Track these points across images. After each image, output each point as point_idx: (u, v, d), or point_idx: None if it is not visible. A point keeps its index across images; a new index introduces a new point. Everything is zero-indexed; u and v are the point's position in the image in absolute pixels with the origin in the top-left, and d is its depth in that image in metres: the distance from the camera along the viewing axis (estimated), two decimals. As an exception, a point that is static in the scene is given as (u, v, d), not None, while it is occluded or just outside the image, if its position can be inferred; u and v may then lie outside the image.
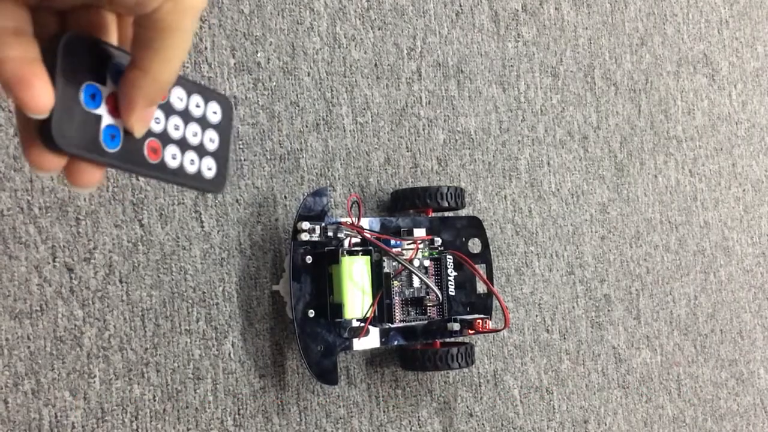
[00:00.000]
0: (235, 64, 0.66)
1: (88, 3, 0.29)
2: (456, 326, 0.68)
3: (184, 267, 0.62)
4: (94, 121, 0.29)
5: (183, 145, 0.33)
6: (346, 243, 0.63)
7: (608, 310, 0.89)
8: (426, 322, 0.67)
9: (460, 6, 0.80)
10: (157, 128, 0.31)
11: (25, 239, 0.56)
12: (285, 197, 0.67)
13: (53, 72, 0.27)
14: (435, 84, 0.77)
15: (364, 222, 0.65)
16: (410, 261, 0.65)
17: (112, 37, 0.31)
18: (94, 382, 0.58)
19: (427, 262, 0.67)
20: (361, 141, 0.72)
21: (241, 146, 0.65)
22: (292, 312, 0.61)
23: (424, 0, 0.78)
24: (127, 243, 0.60)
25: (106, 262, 0.59)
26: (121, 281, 0.59)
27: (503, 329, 0.68)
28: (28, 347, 0.55)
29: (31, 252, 0.56)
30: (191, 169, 0.33)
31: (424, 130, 0.76)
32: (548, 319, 0.83)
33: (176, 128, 0.32)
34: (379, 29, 0.74)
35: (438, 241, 0.68)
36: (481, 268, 0.71)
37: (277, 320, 0.66)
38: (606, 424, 0.87)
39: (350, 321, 0.63)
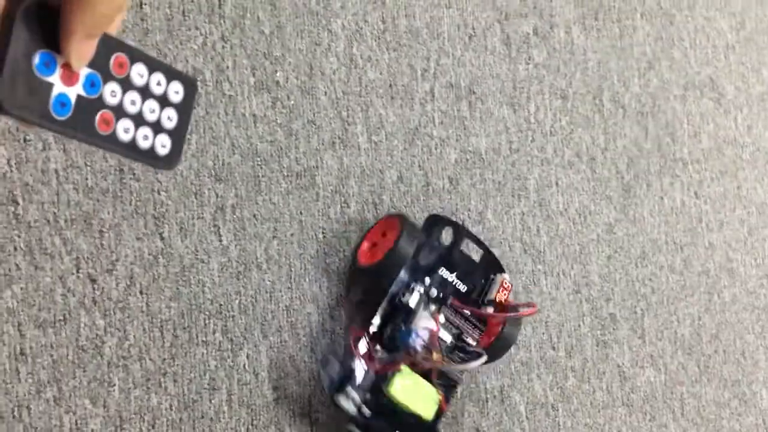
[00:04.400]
0: (255, 83, 0.68)
1: None
2: (490, 309, 0.69)
3: (202, 280, 0.63)
4: (46, 88, 0.30)
5: (138, 120, 0.33)
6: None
7: (613, 329, 0.90)
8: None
9: (473, 29, 0.82)
10: (111, 101, 0.32)
11: (51, 250, 0.58)
12: (301, 213, 0.69)
13: (7, 39, 0.28)
14: (447, 104, 0.79)
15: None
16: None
17: None
18: (114, 390, 0.59)
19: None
20: (375, 159, 0.74)
21: (259, 162, 0.67)
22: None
23: (438, 23, 0.80)
24: (148, 255, 0.61)
25: (127, 274, 0.60)
26: (141, 292, 0.61)
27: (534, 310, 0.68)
28: (51, 356, 0.57)
29: (56, 263, 0.58)
30: (144, 144, 0.34)
31: (436, 149, 0.78)
32: (554, 337, 0.85)
33: (133, 103, 0.33)
34: (394, 50, 0.76)
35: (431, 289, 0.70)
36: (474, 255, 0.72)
37: (290, 333, 0.67)
38: (610, 442, 0.88)
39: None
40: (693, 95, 1.02)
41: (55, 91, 0.30)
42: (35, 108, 0.29)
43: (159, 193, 0.62)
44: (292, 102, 0.69)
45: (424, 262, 0.69)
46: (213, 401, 0.63)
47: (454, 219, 0.74)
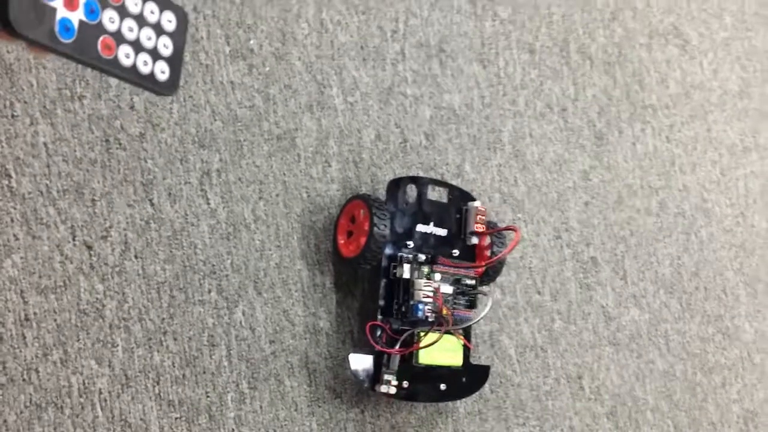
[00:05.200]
0: (230, 51, 0.70)
1: None
2: (474, 239, 0.74)
3: (194, 242, 0.66)
4: (50, 13, 0.33)
5: (137, 46, 0.36)
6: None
7: (595, 272, 0.93)
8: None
9: (438, -11, 0.85)
10: (111, 27, 0.35)
11: (46, 220, 0.60)
12: (284, 174, 0.72)
13: None
14: (418, 64, 0.82)
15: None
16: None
17: None
18: (117, 351, 0.62)
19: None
20: (352, 119, 0.76)
21: (240, 127, 0.70)
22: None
23: (404, -15, 0.82)
24: (140, 221, 0.64)
25: (121, 240, 0.63)
26: (136, 257, 0.63)
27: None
28: (55, 320, 0.60)
29: (52, 232, 0.60)
30: (144, 69, 0.37)
31: (411, 107, 0.81)
32: (539, 282, 0.88)
33: (130, 30, 0.36)
34: (363, 13, 0.79)
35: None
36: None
37: (283, 289, 0.70)
38: (600, 379, 0.91)
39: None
40: (658, 43, 1.05)
41: (58, 15, 0.33)
42: (44, 31, 0.33)
43: (146, 161, 0.65)
44: (268, 68, 0.72)
45: (401, 228, 0.72)
46: (213, 357, 0.66)
47: (411, 174, 0.77)
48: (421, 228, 0.73)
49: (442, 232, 0.74)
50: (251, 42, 0.71)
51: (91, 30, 0.34)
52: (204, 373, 0.65)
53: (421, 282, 0.69)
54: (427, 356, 0.70)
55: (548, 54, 0.93)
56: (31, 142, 0.60)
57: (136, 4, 0.36)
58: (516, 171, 0.88)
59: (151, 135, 0.65)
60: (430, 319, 0.69)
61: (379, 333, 0.69)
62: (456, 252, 0.73)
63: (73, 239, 0.61)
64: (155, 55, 0.37)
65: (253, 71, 0.71)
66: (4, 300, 0.58)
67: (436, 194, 0.74)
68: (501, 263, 0.77)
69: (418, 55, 0.82)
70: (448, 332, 0.71)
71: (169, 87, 0.38)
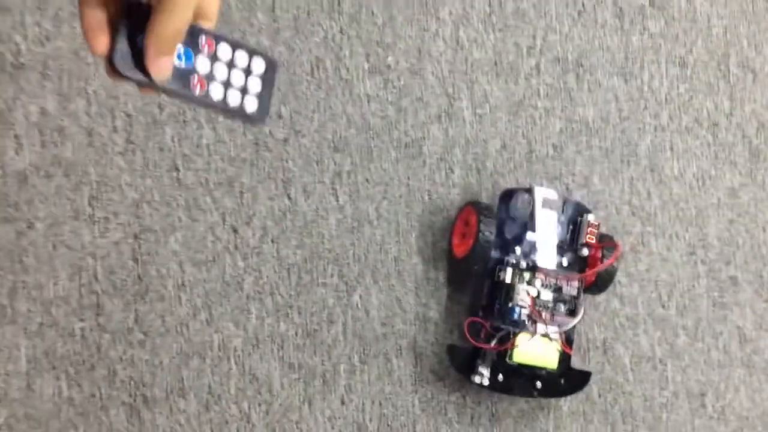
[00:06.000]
0: (368, 67, 0.80)
1: None
2: (584, 251, 0.78)
3: (321, 232, 0.77)
4: None
5: (226, 84, 0.44)
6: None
7: (734, 291, 0.92)
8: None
9: (583, 5, 0.88)
10: (203, 70, 0.44)
11: (203, 207, 0.74)
12: (408, 178, 0.80)
13: (118, 26, 0.40)
14: (553, 78, 0.86)
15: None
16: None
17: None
18: (251, 317, 0.75)
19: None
20: (480, 130, 0.83)
21: (372, 135, 0.80)
22: None
23: (546, 2, 0.86)
24: (278, 212, 0.76)
25: (262, 226, 0.76)
26: (272, 241, 0.76)
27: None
28: (204, 287, 0.74)
29: (207, 216, 0.75)
30: (234, 103, 0.45)
31: (540, 119, 0.85)
32: (664, 296, 0.89)
33: (221, 72, 0.44)
34: (500, 31, 0.85)
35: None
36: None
37: (398, 280, 0.79)
38: (726, 399, 0.90)
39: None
40: (841, 55, 0.98)
41: None
42: (142, 72, 0.42)
43: (287, 162, 0.77)
44: (402, 82, 0.81)
45: (510, 234, 0.78)
46: (331, 331, 0.77)
47: (526, 186, 0.81)
48: (531, 236, 0.78)
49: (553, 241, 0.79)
50: (389, 59, 0.81)
51: (185, 72, 0.43)
52: (321, 344, 0.77)
53: (521, 287, 0.75)
54: (521, 355, 0.76)
55: (702, 68, 0.92)
56: (196, 143, 0.75)
57: (226, 52, 0.44)
58: (650, 185, 0.89)
59: (293, 140, 0.77)
60: (525, 322, 0.75)
61: (478, 329, 0.76)
62: (565, 262, 0.78)
63: (223, 223, 0.75)
64: (244, 91, 0.45)
65: (388, 85, 0.80)
66: (167, 268, 0.73)
67: (549, 207, 0.79)
68: (611, 276, 0.80)
69: (554, 70, 0.86)
70: (545, 336, 0.76)
71: (258, 118, 0.46)
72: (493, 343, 0.76)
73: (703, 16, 0.93)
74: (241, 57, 0.45)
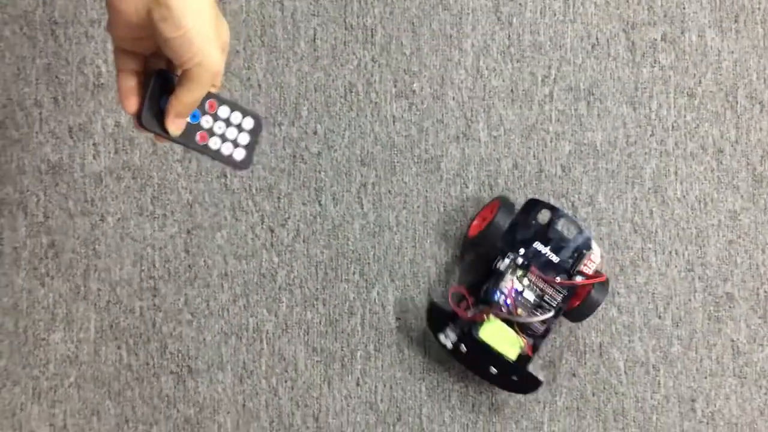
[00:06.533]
0: (395, 92, 0.91)
1: (161, 55, 0.51)
2: (578, 278, 0.86)
3: (347, 235, 0.89)
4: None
5: (223, 138, 0.55)
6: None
7: (729, 307, 0.99)
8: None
9: (597, 39, 0.97)
10: (206, 126, 0.54)
11: (246, 209, 0.87)
12: (426, 190, 0.91)
13: (146, 89, 0.51)
14: (565, 105, 0.95)
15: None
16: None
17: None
18: (282, 306, 0.87)
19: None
20: (493, 150, 0.93)
21: (395, 152, 0.91)
22: None
23: (561, 36, 0.96)
24: (309, 216, 0.88)
25: (295, 228, 0.88)
26: (304, 241, 0.88)
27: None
28: (243, 278, 0.87)
29: (249, 217, 0.87)
30: (226, 152, 0.55)
31: (551, 142, 0.95)
32: (661, 307, 0.97)
33: (219, 128, 0.55)
34: (517, 62, 0.94)
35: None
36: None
37: (413, 280, 0.90)
38: (716, 406, 0.98)
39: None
40: None
41: None
42: (161, 128, 0.53)
43: (320, 173, 0.89)
44: (425, 106, 0.91)
45: (521, 237, 0.87)
46: (350, 322, 0.89)
47: (552, 203, 0.91)
48: (538, 246, 0.87)
49: (555, 258, 0.88)
50: (414, 85, 0.91)
51: (192, 128, 0.54)
52: (342, 332, 0.88)
53: (510, 277, 0.85)
54: (486, 332, 0.83)
55: (710, 98, 1.00)
56: (242, 154, 0.87)
57: (225, 112, 0.55)
58: (653, 205, 0.97)
59: (326, 153, 0.89)
60: (503, 309, 0.84)
61: (461, 298, 0.86)
62: (558, 279, 0.87)
63: (262, 224, 0.87)
64: (235, 143, 0.56)
65: (413, 108, 0.91)
66: (213, 260, 0.86)
67: (568, 233, 0.88)
68: (592, 308, 0.87)
69: (566, 97, 0.95)
70: (511, 326, 0.84)
71: (243, 165, 0.56)
72: (469, 314, 0.85)
73: (713, 50, 1.00)
74: (236, 116, 0.56)
